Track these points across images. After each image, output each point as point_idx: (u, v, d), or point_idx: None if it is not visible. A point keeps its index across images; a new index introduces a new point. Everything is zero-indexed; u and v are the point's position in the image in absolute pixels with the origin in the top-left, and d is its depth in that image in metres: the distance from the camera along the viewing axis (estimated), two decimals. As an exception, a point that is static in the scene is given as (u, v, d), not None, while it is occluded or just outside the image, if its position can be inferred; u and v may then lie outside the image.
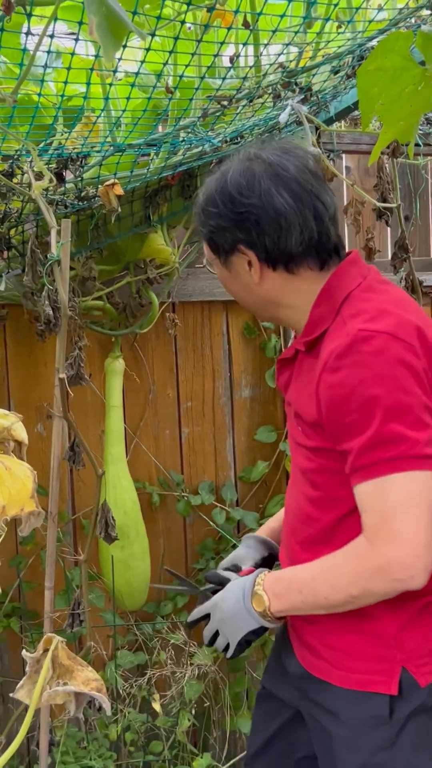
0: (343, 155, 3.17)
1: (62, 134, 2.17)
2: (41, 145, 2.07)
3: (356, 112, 2.88)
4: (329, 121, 2.70)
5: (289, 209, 1.57)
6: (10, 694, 1.42)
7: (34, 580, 2.78)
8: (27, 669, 1.67)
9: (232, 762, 2.86)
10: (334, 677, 1.65)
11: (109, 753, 2.66)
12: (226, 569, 1.82)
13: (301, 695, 1.77)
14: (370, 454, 1.46)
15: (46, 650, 1.67)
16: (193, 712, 2.89)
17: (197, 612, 1.76)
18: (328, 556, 1.56)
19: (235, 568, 1.83)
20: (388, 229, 3.29)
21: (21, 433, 1.54)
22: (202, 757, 2.82)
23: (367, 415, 1.46)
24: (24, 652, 1.59)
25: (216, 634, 1.71)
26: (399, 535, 1.44)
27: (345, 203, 2.69)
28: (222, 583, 1.77)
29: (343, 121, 2.96)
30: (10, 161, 2.11)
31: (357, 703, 1.62)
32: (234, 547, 2.89)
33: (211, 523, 2.89)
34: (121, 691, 2.73)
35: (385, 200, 2.29)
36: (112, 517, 2.06)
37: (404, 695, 1.59)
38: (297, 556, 1.70)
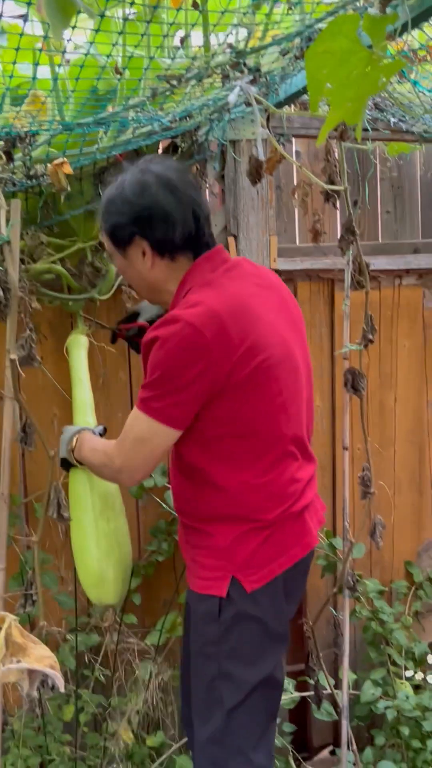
0: (293, 139, 3.18)
1: (10, 113, 2.16)
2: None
3: (306, 97, 2.90)
4: (279, 105, 2.72)
5: (174, 209, 2.01)
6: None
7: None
8: (-21, 648, 1.67)
9: (185, 740, 2.88)
10: (191, 583, 2.17)
11: (65, 736, 2.67)
12: (132, 315, 2.54)
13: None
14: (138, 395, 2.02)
15: (-2, 629, 1.67)
16: (147, 693, 2.92)
17: None
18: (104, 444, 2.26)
19: (135, 315, 2.54)
20: (338, 213, 3.33)
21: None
22: (156, 736, 2.85)
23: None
24: (-24, 631, 1.60)
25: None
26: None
27: (295, 177, 2.72)
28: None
29: (293, 106, 2.98)
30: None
31: (199, 602, 2.11)
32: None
33: (163, 505, 2.91)
34: (74, 672, 2.73)
35: (332, 183, 2.32)
36: (65, 498, 2.06)
37: (232, 599, 2.06)
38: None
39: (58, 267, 2.65)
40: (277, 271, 3.03)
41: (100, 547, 2.44)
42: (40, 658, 1.61)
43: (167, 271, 2.08)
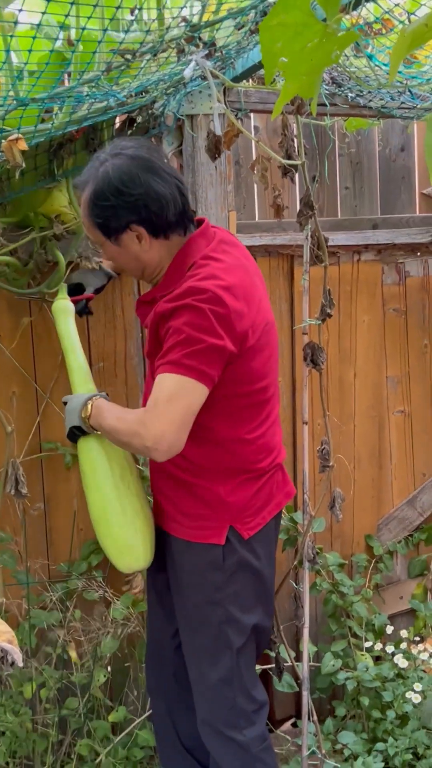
0: (251, 114, 3.18)
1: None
2: None
3: (263, 71, 2.89)
4: (236, 79, 2.71)
5: (164, 191, 2.11)
6: None
7: None
8: None
9: (148, 714, 2.90)
10: (184, 534, 2.28)
11: (25, 710, 2.68)
12: (77, 286, 2.67)
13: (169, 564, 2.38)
14: (163, 359, 2.09)
15: None
16: (110, 669, 2.93)
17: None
18: (124, 410, 2.29)
19: (77, 288, 2.69)
20: (297, 189, 3.33)
21: None
22: (117, 711, 2.86)
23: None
24: None
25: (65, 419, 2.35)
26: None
27: (254, 153, 2.71)
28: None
29: (250, 80, 2.97)
30: None
31: (198, 553, 2.26)
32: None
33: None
34: (35, 649, 2.73)
35: (290, 158, 2.32)
36: (22, 475, 2.06)
37: (233, 546, 2.24)
38: None
39: (13, 260, 2.64)
40: (236, 247, 3.04)
41: (126, 514, 2.34)
42: (-2, 633, 1.61)
43: (162, 250, 2.19)
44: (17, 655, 1.58)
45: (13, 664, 1.88)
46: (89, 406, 2.29)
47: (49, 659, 2.80)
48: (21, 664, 1.64)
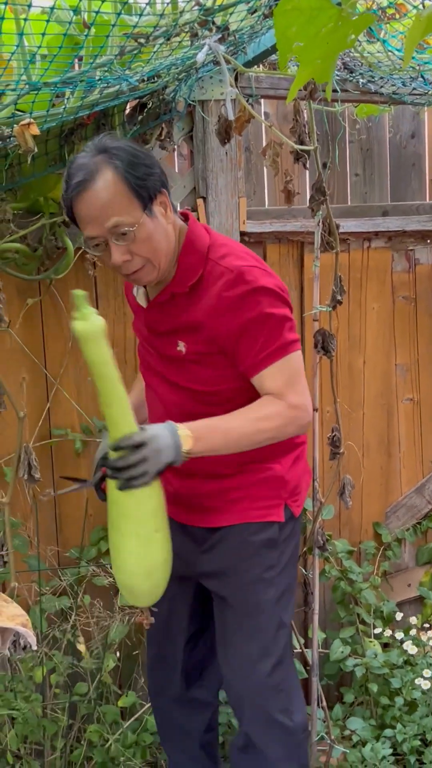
0: (262, 100, 3.16)
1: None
2: None
3: (274, 57, 2.88)
4: (248, 65, 2.70)
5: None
6: None
7: None
8: None
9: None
10: (241, 517, 2.23)
11: (35, 695, 2.69)
12: (102, 460, 2.15)
13: (199, 559, 2.31)
14: (268, 349, 2.07)
15: (-31, 589, 1.68)
16: (119, 654, 2.94)
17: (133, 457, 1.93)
18: (248, 411, 2.09)
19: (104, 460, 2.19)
20: (307, 174, 3.32)
21: None
22: (127, 696, 2.88)
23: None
24: None
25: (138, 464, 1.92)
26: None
27: (264, 140, 2.70)
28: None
29: (261, 66, 2.96)
30: None
31: (258, 532, 2.23)
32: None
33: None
34: (46, 634, 2.74)
35: (302, 143, 2.31)
36: (35, 459, 2.06)
37: (286, 524, 2.27)
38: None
39: (23, 247, 2.65)
40: (246, 233, 3.04)
41: (149, 559, 2.06)
42: (12, 616, 1.61)
43: (174, 230, 2.12)
44: (31, 639, 1.58)
45: (25, 648, 1.89)
46: (186, 438, 1.98)
47: (59, 645, 2.81)
48: (35, 648, 1.65)
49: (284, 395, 2.08)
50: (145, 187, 1.99)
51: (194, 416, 2.06)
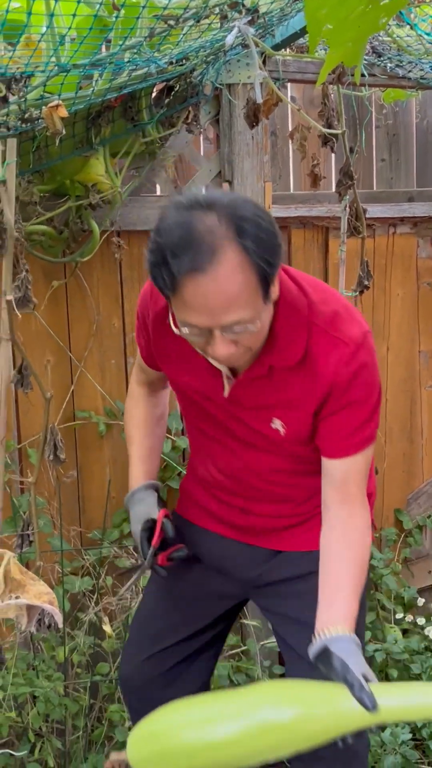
0: (288, 84, 3.15)
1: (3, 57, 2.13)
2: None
3: (302, 41, 2.87)
4: (276, 48, 2.69)
5: None
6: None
7: (-19, 508, 2.79)
8: (-22, 585, 1.70)
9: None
10: (310, 545, 1.93)
11: (57, 674, 2.72)
12: (147, 532, 1.99)
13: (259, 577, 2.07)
14: (362, 435, 1.79)
15: (-3, 566, 1.70)
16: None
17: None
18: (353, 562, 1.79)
19: (152, 523, 2.01)
20: (333, 159, 3.31)
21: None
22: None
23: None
24: (-25, 568, 1.61)
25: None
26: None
27: (290, 124, 2.69)
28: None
29: (288, 49, 2.95)
30: None
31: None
32: (180, 474, 2.93)
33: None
34: (68, 614, 2.77)
35: (330, 127, 2.30)
36: (60, 440, 2.07)
37: None
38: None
39: (49, 229, 2.66)
40: (272, 218, 3.03)
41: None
42: (39, 594, 1.63)
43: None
44: (57, 616, 1.60)
45: (50, 626, 1.91)
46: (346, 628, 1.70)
47: (81, 625, 2.83)
48: (60, 625, 1.67)
49: (356, 499, 1.83)
50: (273, 274, 1.57)
51: (283, 470, 1.93)
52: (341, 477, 1.82)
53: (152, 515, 2.01)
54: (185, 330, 1.60)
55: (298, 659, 1.97)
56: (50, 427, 2.05)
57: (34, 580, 1.65)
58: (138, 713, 1.98)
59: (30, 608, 1.66)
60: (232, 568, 2.12)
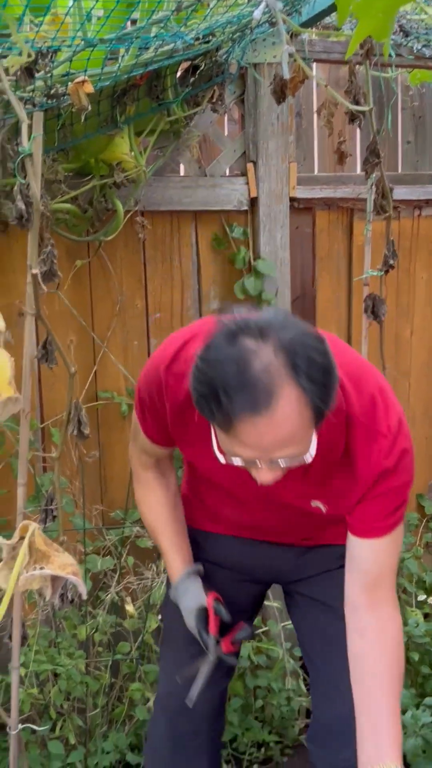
0: (314, 64, 3.13)
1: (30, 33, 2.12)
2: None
3: (328, 20, 2.85)
4: (302, 26, 2.67)
5: None
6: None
7: (4, 486, 2.80)
8: (3, 556, 1.70)
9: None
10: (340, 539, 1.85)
11: (79, 652, 2.73)
12: (203, 622, 1.93)
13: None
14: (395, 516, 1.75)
15: (22, 538, 1.70)
16: (160, 617, 2.96)
17: None
18: (390, 676, 1.74)
19: (204, 612, 1.94)
20: (358, 139, 3.29)
21: (-3, 320, 1.54)
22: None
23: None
24: (0, 539, 1.61)
25: None
26: None
27: (315, 105, 2.67)
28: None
29: (315, 29, 2.93)
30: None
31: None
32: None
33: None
34: (90, 593, 2.77)
35: (357, 104, 2.28)
36: (85, 416, 2.07)
37: None
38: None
39: (74, 208, 2.65)
40: (296, 199, 3.02)
41: None
42: (63, 565, 1.63)
43: None
44: (82, 587, 1.60)
45: (72, 601, 1.91)
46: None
47: (102, 604, 2.84)
48: (85, 596, 1.67)
49: (388, 601, 1.77)
50: (328, 409, 1.50)
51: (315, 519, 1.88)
52: (369, 569, 1.76)
53: (202, 603, 1.95)
54: (231, 459, 1.56)
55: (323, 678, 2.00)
56: (74, 402, 2.04)
57: (59, 551, 1.65)
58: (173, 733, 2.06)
59: (54, 579, 1.67)
60: (252, 568, 2.08)
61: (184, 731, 2.07)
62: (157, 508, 2.03)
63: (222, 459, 1.60)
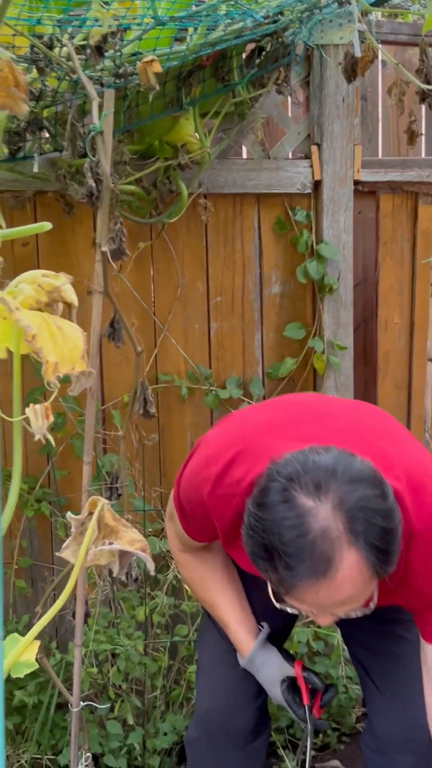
0: (380, 46, 3.09)
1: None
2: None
3: (395, 0, 2.81)
4: (372, 5, 2.63)
5: None
6: (56, 553, 1.44)
7: (65, 468, 2.82)
8: (72, 531, 1.70)
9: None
10: None
11: (138, 633, 2.73)
12: (293, 693, 1.89)
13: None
14: None
15: (90, 513, 1.70)
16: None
17: None
18: None
19: (294, 683, 1.90)
20: (423, 126, 3.23)
21: (71, 295, 1.54)
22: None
23: None
24: (69, 514, 1.60)
25: None
26: None
27: (381, 89, 2.62)
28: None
29: (380, 13, 2.90)
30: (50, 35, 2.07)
31: None
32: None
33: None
34: (148, 575, 2.78)
35: (428, 83, 2.25)
36: (151, 394, 2.07)
37: None
38: None
39: (139, 190, 2.65)
40: (360, 182, 2.98)
41: None
42: (132, 541, 1.62)
43: None
44: (150, 563, 1.58)
45: (137, 579, 1.92)
46: None
47: (161, 585, 2.85)
48: (153, 573, 1.66)
49: None
50: (390, 569, 1.49)
51: None
52: None
53: (287, 673, 1.90)
54: (287, 607, 1.59)
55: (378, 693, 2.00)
56: (141, 381, 2.05)
57: (127, 527, 1.64)
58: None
59: (122, 555, 1.66)
60: None
61: (226, 749, 2.03)
62: (206, 585, 1.97)
63: (277, 604, 1.59)
